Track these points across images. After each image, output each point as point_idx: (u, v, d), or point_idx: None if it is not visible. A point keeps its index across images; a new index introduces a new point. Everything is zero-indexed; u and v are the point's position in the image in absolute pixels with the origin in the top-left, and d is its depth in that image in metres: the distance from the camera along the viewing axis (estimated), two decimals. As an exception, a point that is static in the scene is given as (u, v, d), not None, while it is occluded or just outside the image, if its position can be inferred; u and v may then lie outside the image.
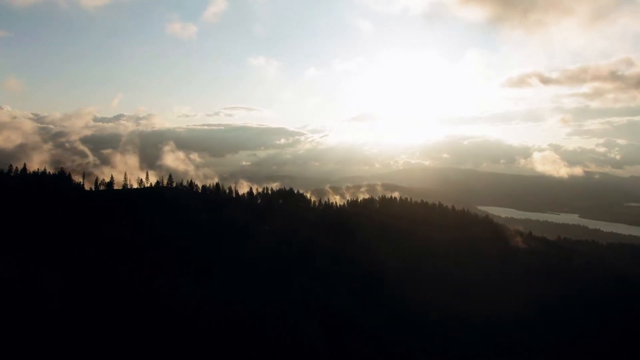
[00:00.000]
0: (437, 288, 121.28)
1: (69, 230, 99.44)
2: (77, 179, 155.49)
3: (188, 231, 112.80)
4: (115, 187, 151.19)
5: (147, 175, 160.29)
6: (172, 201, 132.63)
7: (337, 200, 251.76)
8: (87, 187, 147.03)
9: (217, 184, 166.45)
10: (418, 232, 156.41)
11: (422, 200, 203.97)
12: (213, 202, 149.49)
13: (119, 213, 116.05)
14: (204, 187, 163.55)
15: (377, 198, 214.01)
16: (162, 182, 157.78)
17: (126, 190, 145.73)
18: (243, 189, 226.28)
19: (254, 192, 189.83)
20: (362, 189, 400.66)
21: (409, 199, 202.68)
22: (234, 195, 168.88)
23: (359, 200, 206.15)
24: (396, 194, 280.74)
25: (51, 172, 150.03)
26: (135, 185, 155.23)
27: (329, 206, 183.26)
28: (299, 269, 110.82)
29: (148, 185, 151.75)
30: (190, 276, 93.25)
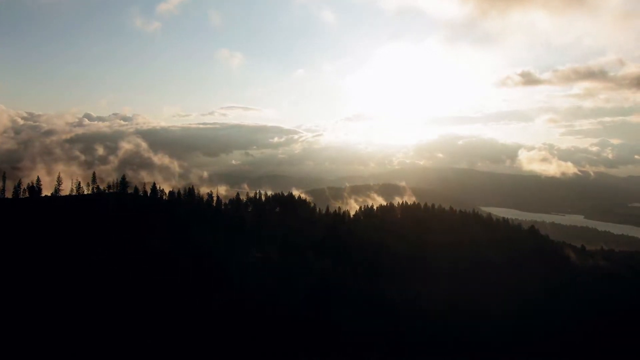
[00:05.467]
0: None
1: None
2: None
3: (123, 264, 64.73)
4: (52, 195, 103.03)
5: (93, 177, 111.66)
6: (112, 215, 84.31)
7: (342, 206, 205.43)
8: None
9: (191, 189, 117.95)
10: (466, 257, 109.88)
11: (451, 208, 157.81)
12: (182, 214, 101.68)
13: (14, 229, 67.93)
14: (172, 192, 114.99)
15: (395, 204, 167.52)
16: (114, 187, 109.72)
17: (53, 198, 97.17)
18: (230, 193, 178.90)
19: (244, 197, 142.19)
20: (365, 191, 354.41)
21: (435, 205, 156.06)
22: (214, 203, 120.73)
23: (373, 207, 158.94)
24: (412, 198, 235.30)
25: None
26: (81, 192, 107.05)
27: (339, 216, 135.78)
28: (308, 338, 63.52)
29: (90, 191, 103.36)
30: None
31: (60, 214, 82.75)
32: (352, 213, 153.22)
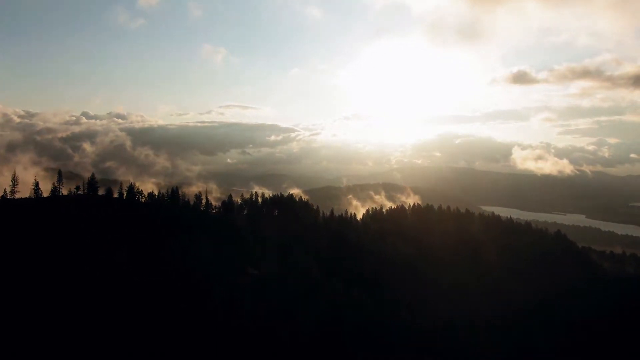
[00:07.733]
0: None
1: None
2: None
3: (77, 280, 46.56)
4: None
5: (59, 176, 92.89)
6: (72, 221, 66.00)
7: (343, 206, 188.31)
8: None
9: (175, 190, 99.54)
10: (495, 268, 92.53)
11: (467, 210, 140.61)
12: (162, 219, 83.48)
13: None
14: (151, 194, 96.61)
15: (399, 205, 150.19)
16: (81, 188, 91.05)
17: (3, 201, 78.55)
18: (225, 194, 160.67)
19: (238, 198, 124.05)
20: (364, 190, 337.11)
21: (449, 207, 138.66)
22: (202, 206, 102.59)
23: (382, 209, 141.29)
24: (416, 198, 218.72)
25: None
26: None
27: (346, 221, 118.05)
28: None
29: (49, 193, 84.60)
30: None
31: (5, 221, 64.50)
32: (354, 213, 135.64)
